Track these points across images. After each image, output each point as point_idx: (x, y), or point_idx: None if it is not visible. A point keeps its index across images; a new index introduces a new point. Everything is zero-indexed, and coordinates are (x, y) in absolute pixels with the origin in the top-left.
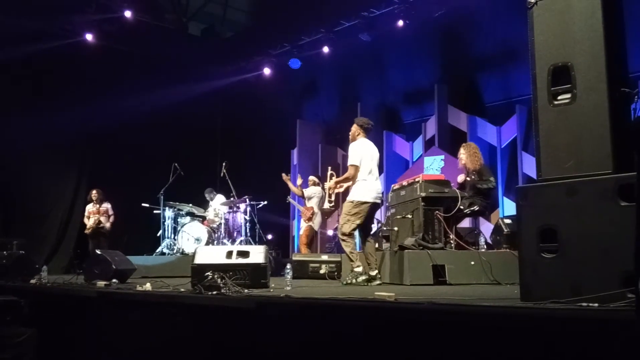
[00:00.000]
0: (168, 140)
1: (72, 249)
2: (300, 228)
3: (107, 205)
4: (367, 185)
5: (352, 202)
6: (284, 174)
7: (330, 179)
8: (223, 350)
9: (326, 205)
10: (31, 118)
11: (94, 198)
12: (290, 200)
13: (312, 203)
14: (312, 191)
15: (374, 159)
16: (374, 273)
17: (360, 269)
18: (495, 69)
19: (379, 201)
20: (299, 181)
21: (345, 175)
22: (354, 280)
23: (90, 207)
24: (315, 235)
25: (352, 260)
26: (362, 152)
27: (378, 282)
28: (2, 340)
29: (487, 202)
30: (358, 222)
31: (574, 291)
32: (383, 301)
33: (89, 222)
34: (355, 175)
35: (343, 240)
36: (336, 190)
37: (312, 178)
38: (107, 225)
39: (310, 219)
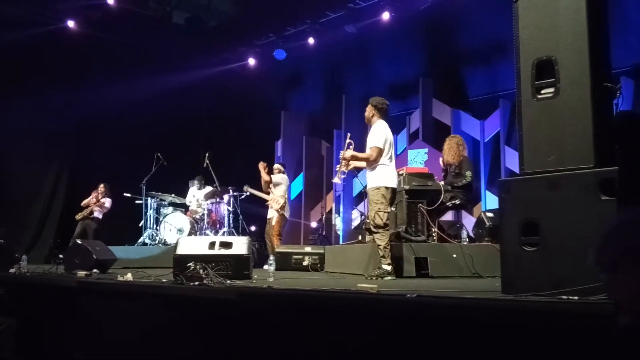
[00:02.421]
0: (151, 130)
1: (53, 238)
2: (271, 218)
3: (105, 200)
4: (390, 169)
5: (378, 188)
6: (261, 162)
7: (348, 147)
8: (205, 341)
9: (336, 179)
10: (12, 107)
11: (100, 191)
12: (250, 190)
13: (281, 191)
14: (281, 178)
15: (391, 143)
16: (388, 268)
17: (389, 268)
18: (480, 63)
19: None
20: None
21: (366, 155)
22: (379, 278)
23: (92, 197)
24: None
25: (383, 256)
26: (383, 133)
27: (392, 276)
28: None
29: (468, 195)
30: (388, 210)
31: (555, 284)
32: (366, 293)
33: (83, 211)
34: (377, 158)
35: (377, 232)
36: (349, 167)
37: (277, 166)
38: (98, 216)
39: (283, 207)
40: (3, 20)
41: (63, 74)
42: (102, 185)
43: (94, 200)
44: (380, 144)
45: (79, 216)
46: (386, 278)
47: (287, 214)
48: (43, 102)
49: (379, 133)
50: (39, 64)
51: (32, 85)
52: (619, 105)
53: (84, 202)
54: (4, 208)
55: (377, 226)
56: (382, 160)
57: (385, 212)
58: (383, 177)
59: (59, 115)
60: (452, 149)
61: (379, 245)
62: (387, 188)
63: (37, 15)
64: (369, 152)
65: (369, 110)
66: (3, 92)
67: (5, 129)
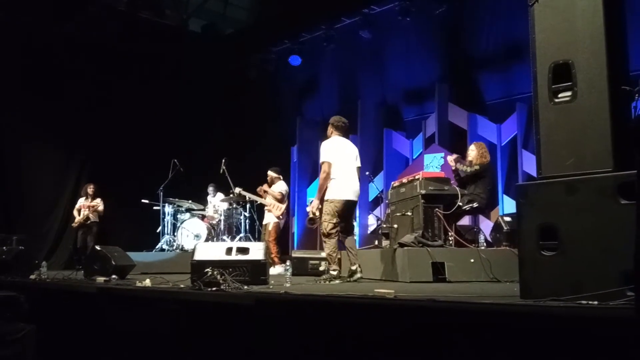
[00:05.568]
0: (168, 137)
1: (72, 245)
2: (268, 223)
3: (98, 203)
4: (341, 182)
5: (327, 200)
6: (260, 188)
7: (310, 204)
8: (222, 347)
9: (308, 225)
10: (32, 114)
11: (89, 192)
12: (243, 192)
13: (283, 195)
14: (283, 185)
15: (348, 156)
16: (354, 267)
17: (335, 273)
18: (496, 67)
19: (355, 199)
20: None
21: (321, 176)
22: (327, 282)
23: (82, 201)
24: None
25: (329, 263)
26: (332, 149)
27: (359, 275)
28: (1, 336)
29: (485, 198)
30: (335, 220)
31: (574, 289)
32: (383, 298)
33: (79, 216)
34: (330, 171)
35: (324, 241)
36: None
37: (274, 175)
38: (96, 220)
39: (283, 214)
40: (23, 29)
41: (81, 82)
42: (90, 187)
43: (86, 205)
44: (328, 158)
45: (75, 224)
46: (333, 282)
47: (282, 222)
48: (61, 109)
49: (327, 148)
50: (57, 72)
51: (51, 94)
52: (638, 109)
53: (81, 210)
54: (24, 215)
55: (323, 234)
56: (333, 174)
57: (331, 222)
58: (331, 190)
59: (77, 122)
60: (481, 154)
61: (325, 252)
62: (335, 200)
63: (54, 25)
64: (322, 169)
65: (329, 129)
66: (23, 101)
67: (25, 137)
